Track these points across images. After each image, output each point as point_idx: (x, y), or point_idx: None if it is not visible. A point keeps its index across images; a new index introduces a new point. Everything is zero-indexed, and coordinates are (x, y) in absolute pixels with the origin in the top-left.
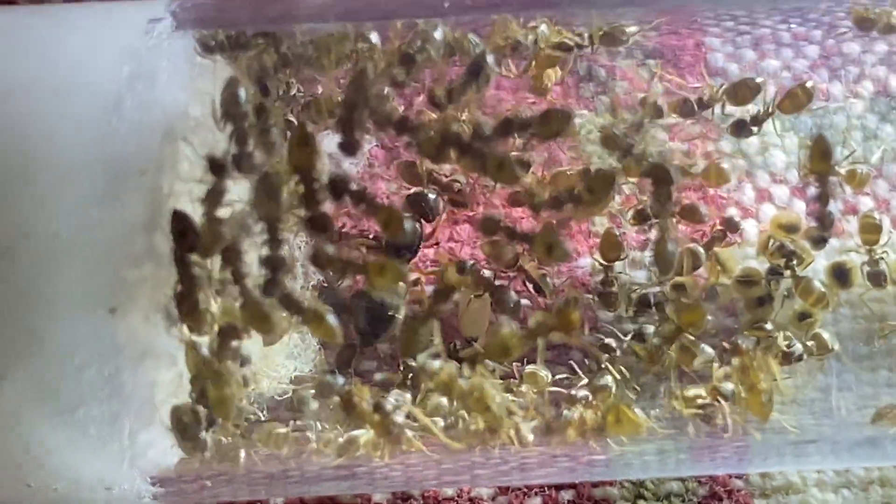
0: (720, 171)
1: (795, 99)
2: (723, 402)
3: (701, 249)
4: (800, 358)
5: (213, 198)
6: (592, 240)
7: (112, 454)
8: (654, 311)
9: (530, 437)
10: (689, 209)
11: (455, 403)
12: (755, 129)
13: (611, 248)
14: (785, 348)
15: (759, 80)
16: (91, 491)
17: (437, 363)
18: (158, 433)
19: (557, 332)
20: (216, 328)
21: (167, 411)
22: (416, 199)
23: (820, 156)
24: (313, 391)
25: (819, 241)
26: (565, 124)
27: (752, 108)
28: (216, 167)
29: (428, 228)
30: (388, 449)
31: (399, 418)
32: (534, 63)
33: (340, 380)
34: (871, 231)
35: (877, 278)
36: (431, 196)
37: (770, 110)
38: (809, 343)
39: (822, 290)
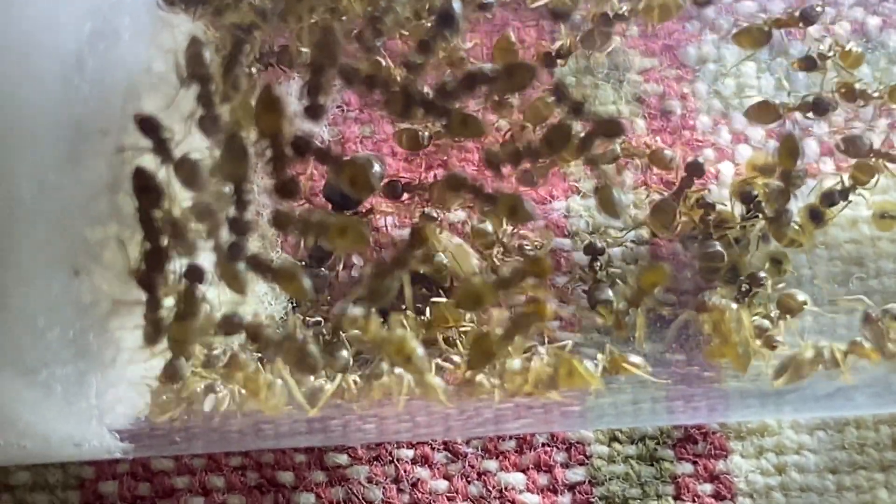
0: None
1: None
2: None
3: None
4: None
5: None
6: (567, 183)
7: (80, 412)
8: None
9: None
10: (656, 155)
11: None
12: None
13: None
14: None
15: None
16: (60, 448)
17: (357, 311)
18: (127, 390)
19: (530, 280)
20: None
21: (134, 368)
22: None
23: (787, 153)
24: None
25: (776, 262)
26: (530, 78)
27: None
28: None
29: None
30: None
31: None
32: None
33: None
34: (865, 171)
35: (830, 199)
36: None
37: None
38: (775, 314)
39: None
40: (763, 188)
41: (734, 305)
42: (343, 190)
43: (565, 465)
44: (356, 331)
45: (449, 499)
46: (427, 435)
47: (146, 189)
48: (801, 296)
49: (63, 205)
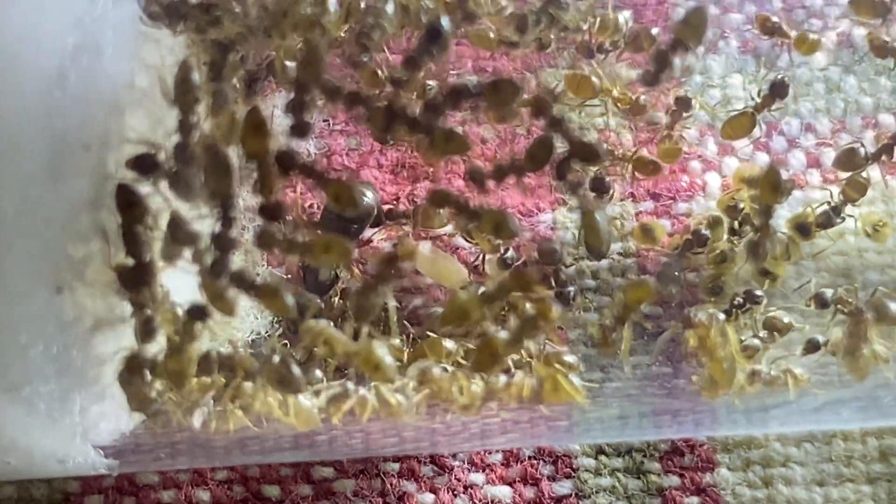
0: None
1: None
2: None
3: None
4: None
5: None
6: (554, 195)
7: (64, 429)
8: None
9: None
10: (641, 161)
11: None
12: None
13: None
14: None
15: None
16: (44, 464)
17: (321, 322)
18: (110, 406)
19: (516, 293)
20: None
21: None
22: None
23: (769, 188)
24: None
25: (764, 274)
26: (515, 94)
27: None
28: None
29: None
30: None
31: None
32: None
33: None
34: (857, 189)
35: (827, 223)
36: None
37: None
38: (763, 334)
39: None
40: (750, 201)
41: (721, 316)
42: (340, 218)
43: (552, 478)
44: (324, 346)
45: None
46: (414, 450)
47: (129, 205)
48: (786, 317)
49: (46, 220)
